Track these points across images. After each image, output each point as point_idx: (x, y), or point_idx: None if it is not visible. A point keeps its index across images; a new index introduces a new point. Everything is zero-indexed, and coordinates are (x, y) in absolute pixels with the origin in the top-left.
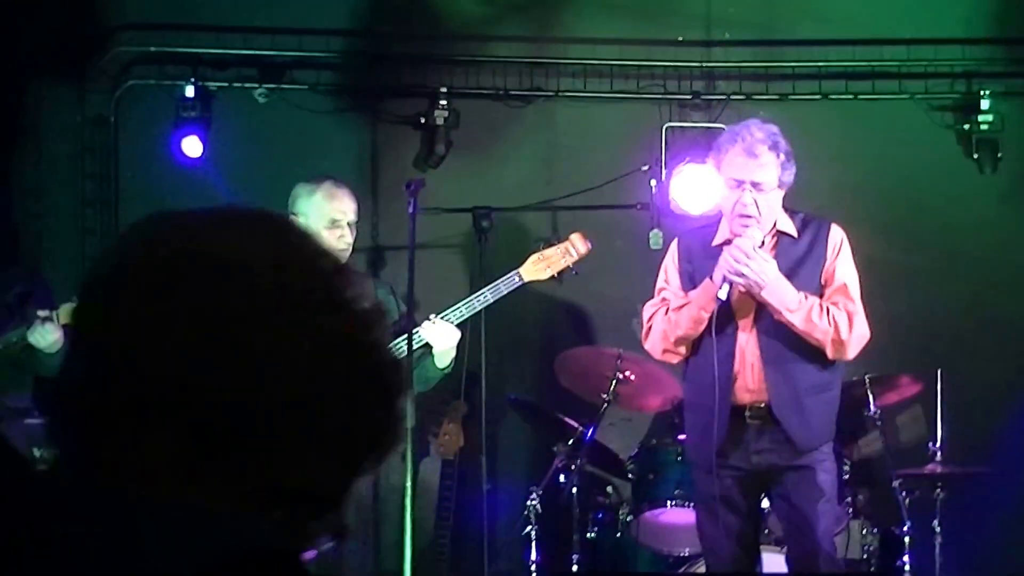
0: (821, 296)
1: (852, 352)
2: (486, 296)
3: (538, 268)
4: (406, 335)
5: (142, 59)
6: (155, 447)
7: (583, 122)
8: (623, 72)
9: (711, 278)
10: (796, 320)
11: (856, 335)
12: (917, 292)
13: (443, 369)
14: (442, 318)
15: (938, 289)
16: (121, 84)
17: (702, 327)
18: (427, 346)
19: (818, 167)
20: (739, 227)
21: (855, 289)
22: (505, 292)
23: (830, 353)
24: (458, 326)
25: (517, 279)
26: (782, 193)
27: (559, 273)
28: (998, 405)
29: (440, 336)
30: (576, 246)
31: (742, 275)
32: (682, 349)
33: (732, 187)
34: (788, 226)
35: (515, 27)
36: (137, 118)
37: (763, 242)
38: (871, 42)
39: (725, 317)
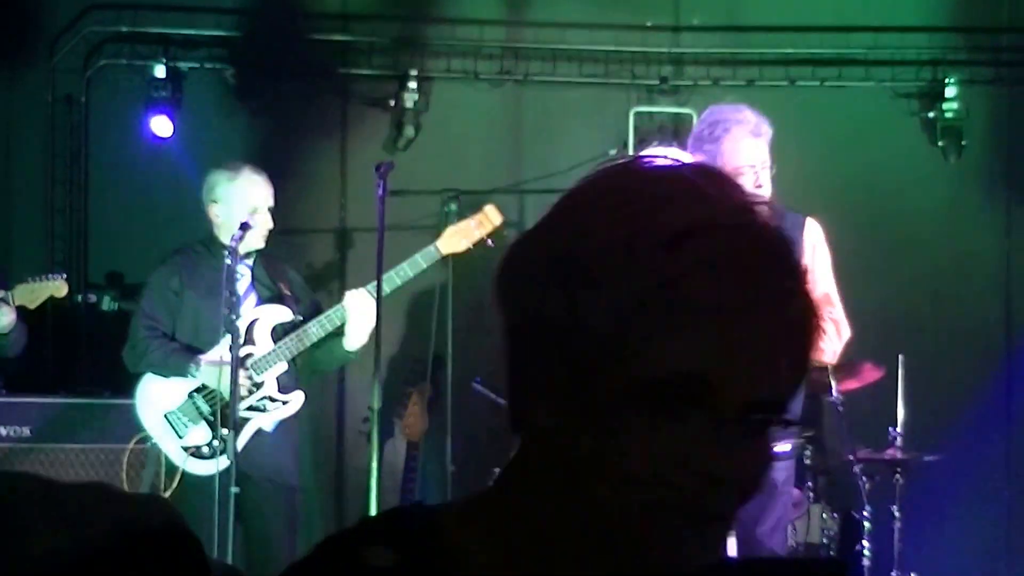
0: None
1: (839, 356)
2: (405, 270)
3: (454, 241)
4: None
5: (113, 39)
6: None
7: (552, 106)
8: (592, 57)
9: None
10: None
11: (844, 339)
12: (880, 278)
13: (351, 353)
14: (371, 288)
15: (901, 276)
16: (92, 64)
17: None
18: (340, 328)
19: (784, 153)
20: None
21: (835, 291)
22: (424, 265)
23: (821, 361)
24: (399, 303)
25: (434, 252)
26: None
27: (475, 245)
28: (958, 391)
29: (359, 307)
30: (490, 217)
31: None
32: None
33: (743, 172)
34: None
35: (486, 11)
36: (107, 98)
37: None
38: (838, 29)
39: None
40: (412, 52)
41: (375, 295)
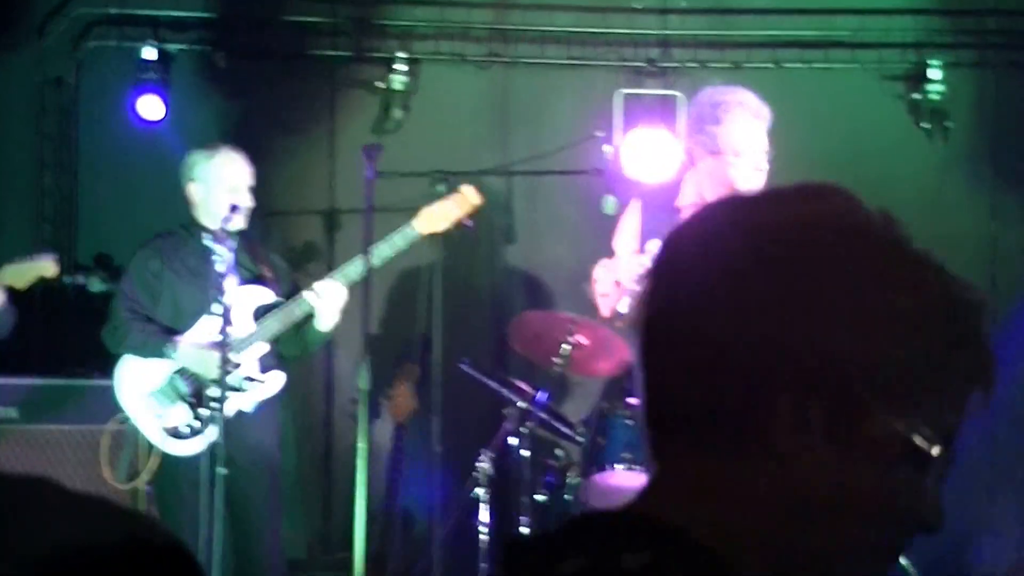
0: None
1: None
2: (384, 250)
3: (432, 220)
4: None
5: (102, 21)
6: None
7: (540, 88)
8: (579, 39)
9: (617, 284)
10: None
11: None
12: None
13: (325, 333)
14: (341, 272)
15: None
16: (81, 46)
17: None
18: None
19: (770, 135)
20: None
21: None
22: (401, 245)
23: None
24: (386, 284)
25: (412, 231)
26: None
27: (454, 225)
28: None
29: (329, 296)
30: (468, 197)
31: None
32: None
33: (743, 154)
34: None
35: None
36: (97, 80)
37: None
38: (824, 12)
39: None
40: (400, 35)
41: (346, 272)
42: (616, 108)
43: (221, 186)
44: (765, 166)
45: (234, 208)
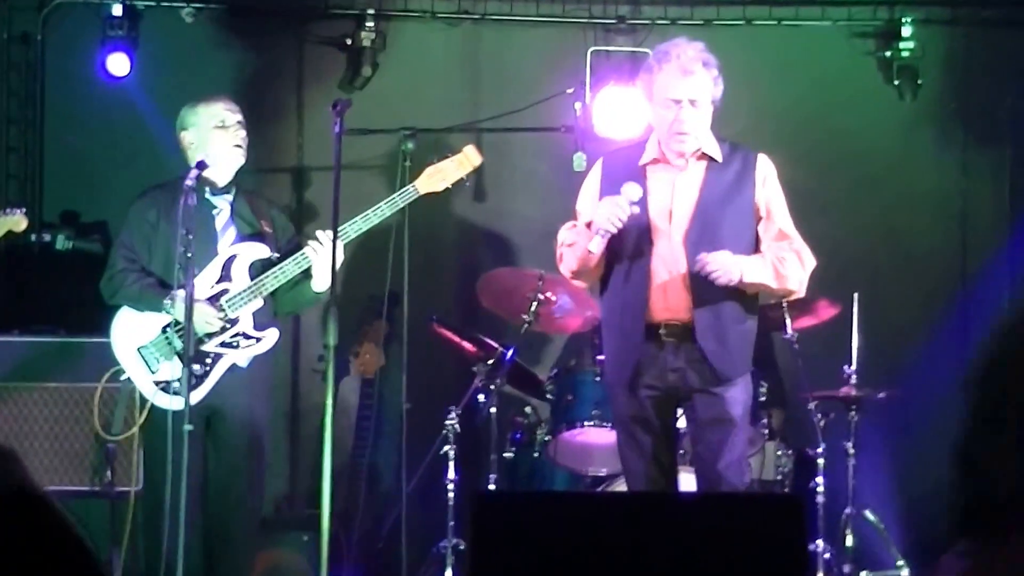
0: (755, 230)
1: (806, 287)
2: (383, 209)
3: (433, 180)
4: (301, 253)
5: None
6: None
7: (509, 45)
8: None
9: (593, 229)
10: (772, 284)
11: (808, 269)
12: (836, 217)
13: (319, 294)
14: (340, 231)
15: (856, 214)
16: (47, 2)
17: (592, 264)
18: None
19: (741, 92)
20: (676, 143)
21: (791, 223)
22: (402, 205)
23: (793, 294)
24: (354, 241)
25: (413, 191)
26: (711, 111)
27: (453, 184)
28: (913, 330)
29: (326, 257)
30: (470, 158)
31: (611, 232)
32: (588, 277)
33: (667, 106)
34: (714, 151)
35: None
36: (63, 36)
37: (640, 195)
38: None
39: (640, 234)
40: None
41: (346, 231)
42: (586, 65)
43: (211, 123)
44: (689, 119)
45: (200, 165)
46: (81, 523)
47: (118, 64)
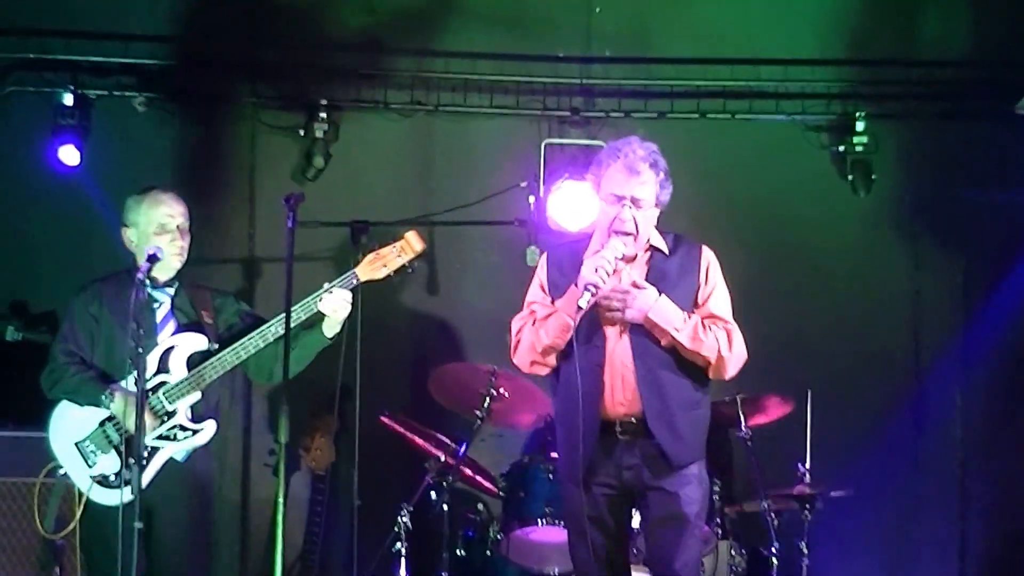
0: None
1: (732, 371)
2: (322, 297)
3: (374, 267)
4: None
5: (20, 65)
6: None
7: (462, 137)
8: (502, 87)
9: (575, 285)
10: (683, 339)
11: (736, 353)
12: (789, 312)
13: (332, 338)
14: (269, 327)
15: (810, 310)
16: None
17: (569, 335)
18: (315, 318)
19: (695, 185)
20: (620, 240)
21: (728, 310)
22: (341, 291)
23: (711, 372)
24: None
25: (354, 279)
26: (657, 212)
27: (396, 272)
28: (866, 426)
29: (337, 304)
30: (411, 244)
31: (598, 287)
32: (551, 360)
33: (612, 202)
34: (660, 243)
35: (396, 40)
36: (15, 125)
37: (634, 256)
38: (748, 62)
39: (594, 328)
40: (322, 80)
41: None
42: (540, 158)
43: (151, 226)
44: (632, 219)
45: (151, 258)
46: None
47: (69, 155)
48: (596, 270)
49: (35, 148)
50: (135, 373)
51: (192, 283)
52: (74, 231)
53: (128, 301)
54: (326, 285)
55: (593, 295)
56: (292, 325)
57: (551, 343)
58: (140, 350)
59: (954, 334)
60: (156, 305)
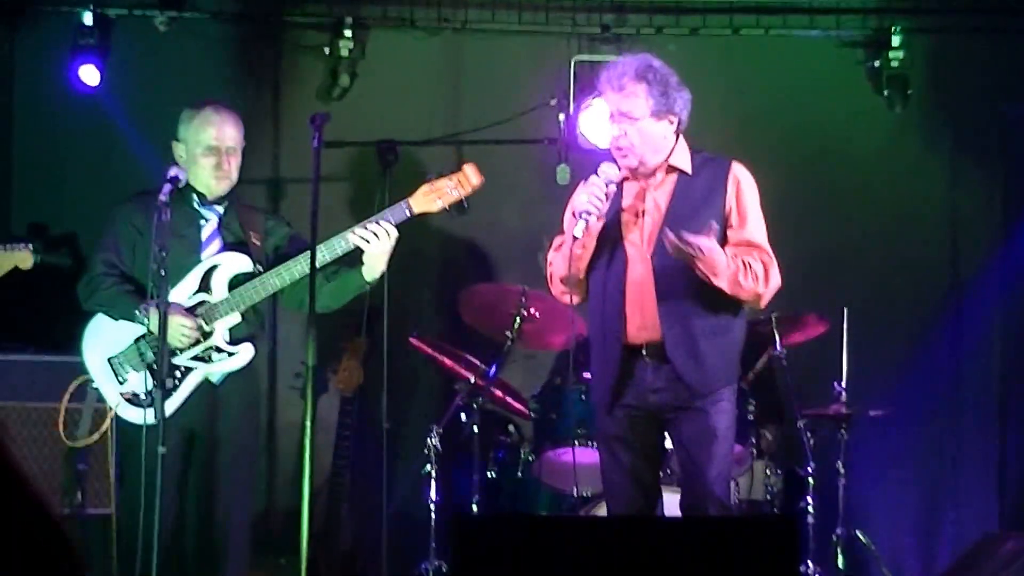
0: (725, 237)
1: (765, 302)
2: (373, 227)
3: (429, 199)
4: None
5: None
6: None
7: (490, 55)
8: (532, 4)
9: (574, 214)
10: (723, 284)
11: (772, 286)
12: (824, 229)
13: (370, 282)
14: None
15: (845, 227)
16: (17, 11)
17: (581, 266)
18: (348, 258)
19: (727, 102)
20: (618, 160)
21: (764, 234)
22: (394, 223)
23: (746, 304)
24: (341, 259)
25: (406, 209)
26: (663, 124)
27: (450, 206)
28: (903, 344)
29: (379, 252)
30: (469, 178)
31: (591, 214)
32: (577, 288)
33: (608, 121)
34: (683, 162)
35: None
36: (34, 46)
37: (619, 174)
38: None
39: (616, 253)
40: None
41: (324, 256)
42: (570, 75)
43: (199, 147)
44: (617, 132)
45: (172, 180)
46: None
47: (89, 75)
48: (588, 200)
49: (55, 68)
50: (181, 285)
51: (245, 204)
52: (95, 152)
53: (174, 215)
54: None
55: (588, 223)
56: (335, 256)
57: (564, 274)
58: (163, 273)
59: (992, 250)
60: (203, 222)
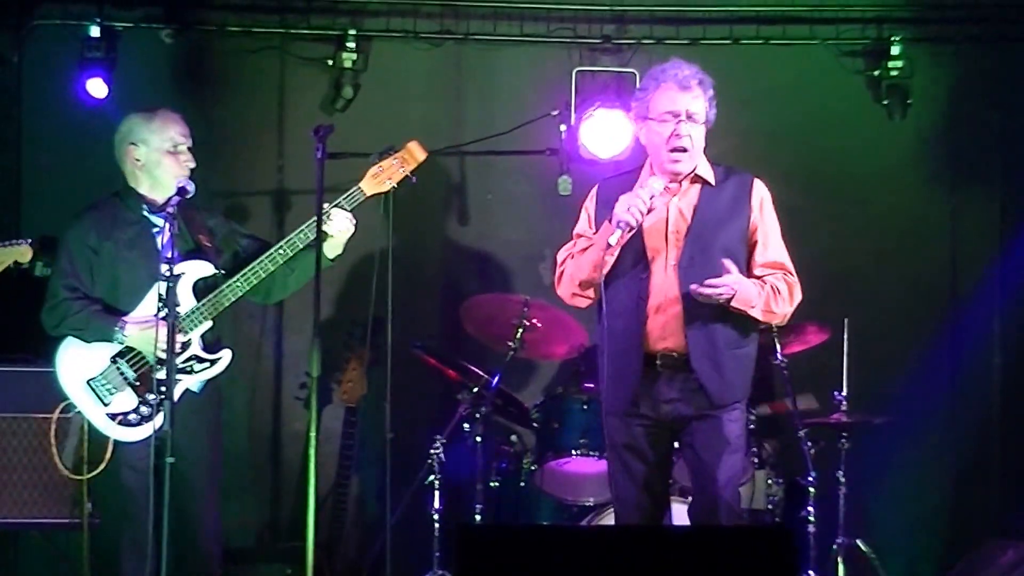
0: (750, 256)
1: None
2: (330, 213)
3: (378, 181)
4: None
5: None
6: None
7: (492, 66)
8: (533, 15)
9: (609, 221)
10: (757, 314)
11: (795, 304)
12: (824, 239)
13: (333, 260)
14: (278, 249)
15: (845, 236)
16: (26, 24)
17: (604, 271)
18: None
19: (728, 112)
20: (672, 161)
21: (785, 253)
22: (348, 208)
23: (773, 323)
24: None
25: (359, 193)
26: (705, 131)
27: (399, 183)
28: (903, 353)
29: (343, 225)
30: (413, 154)
31: (631, 225)
32: (591, 292)
33: (665, 120)
34: (708, 173)
35: None
36: (42, 59)
37: (663, 189)
38: None
39: (639, 260)
40: (351, 11)
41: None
42: (571, 86)
43: (165, 145)
44: (689, 134)
45: (181, 191)
46: (61, 555)
47: (96, 87)
48: (629, 208)
49: (62, 81)
50: (151, 298)
51: (184, 208)
52: (103, 164)
53: (126, 228)
54: (339, 201)
55: (624, 233)
56: (297, 249)
57: (587, 277)
58: (171, 286)
59: (991, 260)
60: (156, 231)
